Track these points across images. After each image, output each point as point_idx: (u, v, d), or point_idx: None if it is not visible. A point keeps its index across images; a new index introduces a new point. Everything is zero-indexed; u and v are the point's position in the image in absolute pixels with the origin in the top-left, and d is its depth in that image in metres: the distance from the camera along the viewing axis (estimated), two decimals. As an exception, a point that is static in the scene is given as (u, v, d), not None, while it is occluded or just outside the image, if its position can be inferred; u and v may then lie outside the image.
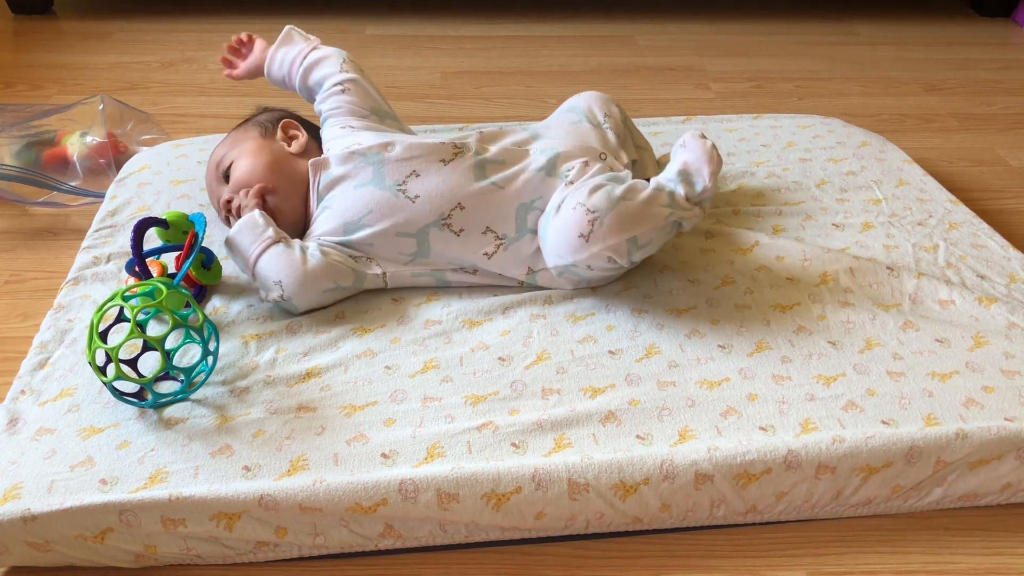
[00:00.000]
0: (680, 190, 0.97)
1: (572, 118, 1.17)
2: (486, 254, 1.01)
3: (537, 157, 1.05)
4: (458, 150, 1.04)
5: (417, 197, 1.01)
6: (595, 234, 0.92)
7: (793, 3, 2.43)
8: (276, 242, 0.99)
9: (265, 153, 1.09)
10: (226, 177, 1.09)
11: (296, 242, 1.00)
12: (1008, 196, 1.46)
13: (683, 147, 1.00)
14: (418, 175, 1.02)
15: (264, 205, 1.04)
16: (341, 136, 1.09)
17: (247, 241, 1.00)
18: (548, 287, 1.04)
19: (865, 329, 0.98)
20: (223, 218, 1.12)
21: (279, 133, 1.14)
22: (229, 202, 1.07)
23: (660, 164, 1.24)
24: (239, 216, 1.04)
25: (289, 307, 0.99)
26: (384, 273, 1.02)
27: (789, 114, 1.54)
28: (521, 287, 1.04)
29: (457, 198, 1.00)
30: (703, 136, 0.99)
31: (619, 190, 0.94)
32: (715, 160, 0.98)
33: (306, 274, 0.97)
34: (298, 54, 1.18)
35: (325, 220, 1.03)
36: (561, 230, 0.95)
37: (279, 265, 0.97)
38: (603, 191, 0.94)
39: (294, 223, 1.07)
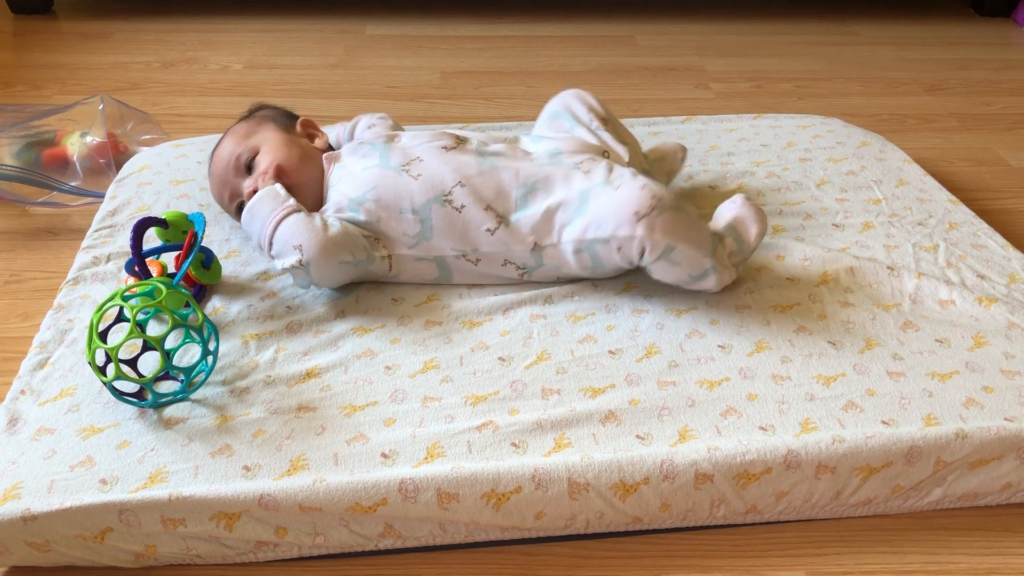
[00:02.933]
0: (728, 238, 1.04)
1: (563, 125, 1.17)
2: (488, 230, 1.01)
3: (540, 155, 1.07)
4: (460, 141, 1.09)
5: (420, 175, 1.03)
6: (650, 218, 0.94)
7: (793, 3, 2.43)
8: (297, 210, 1.00)
9: (295, 146, 1.11)
10: (248, 169, 1.09)
11: (315, 214, 1.01)
12: (1008, 196, 1.46)
13: (732, 203, 1.08)
14: (422, 160, 1.05)
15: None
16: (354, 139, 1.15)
17: (267, 208, 1.01)
18: (546, 281, 1.04)
19: (865, 329, 0.98)
20: (234, 211, 1.12)
21: (299, 129, 1.16)
22: (255, 192, 1.05)
23: (647, 158, 1.23)
24: None
25: (302, 277, 0.99)
26: (389, 256, 1.02)
27: (789, 114, 1.54)
28: (521, 281, 1.04)
29: (458, 177, 1.02)
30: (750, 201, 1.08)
31: (684, 206, 0.98)
32: (763, 220, 1.06)
33: (327, 239, 0.97)
34: (342, 129, 1.24)
35: (332, 201, 1.05)
36: (618, 202, 0.96)
37: (300, 229, 0.98)
38: (670, 192, 0.98)
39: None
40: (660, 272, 0.99)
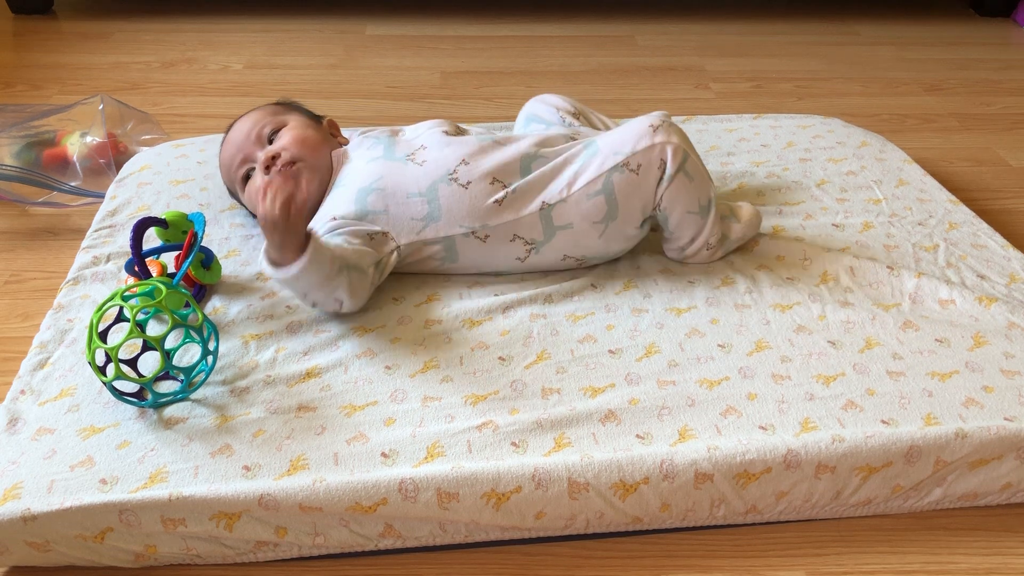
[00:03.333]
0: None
1: (538, 128, 1.21)
2: (496, 201, 1.02)
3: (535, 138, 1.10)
4: (461, 131, 1.12)
5: (425, 162, 1.05)
6: (664, 127, 1.01)
7: (793, 3, 2.43)
8: (333, 264, 0.94)
9: (321, 132, 1.14)
10: (270, 141, 1.10)
11: (339, 259, 0.95)
12: (1008, 196, 1.46)
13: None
14: (425, 147, 1.07)
15: (291, 179, 1.06)
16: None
17: (311, 280, 0.93)
18: (551, 264, 1.05)
19: (865, 329, 0.98)
20: (240, 178, 1.11)
21: (324, 124, 1.18)
22: (275, 157, 1.06)
23: None
24: (280, 171, 1.06)
25: (334, 311, 0.99)
26: (397, 247, 1.02)
27: (789, 114, 1.54)
28: (526, 262, 1.04)
29: (461, 156, 1.04)
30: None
31: None
32: (756, 212, 1.15)
33: (364, 295, 0.98)
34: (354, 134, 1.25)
35: (338, 196, 1.05)
36: (633, 124, 1.03)
37: (342, 291, 0.95)
38: None
39: (311, 208, 1.06)
40: (676, 195, 1.02)
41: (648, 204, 1.03)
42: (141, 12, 2.25)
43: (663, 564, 0.81)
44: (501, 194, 1.02)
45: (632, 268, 1.08)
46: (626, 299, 1.03)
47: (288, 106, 1.17)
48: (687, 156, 1.01)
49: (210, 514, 0.76)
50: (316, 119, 1.18)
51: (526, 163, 1.04)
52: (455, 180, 1.02)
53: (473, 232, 1.02)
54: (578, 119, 1.20)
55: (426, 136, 1.09)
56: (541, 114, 1.23)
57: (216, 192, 1.22)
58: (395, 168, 1.05)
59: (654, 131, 1.01)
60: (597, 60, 2.03)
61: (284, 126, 1.11)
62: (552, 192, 1.02)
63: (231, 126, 1.15)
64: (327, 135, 1.16)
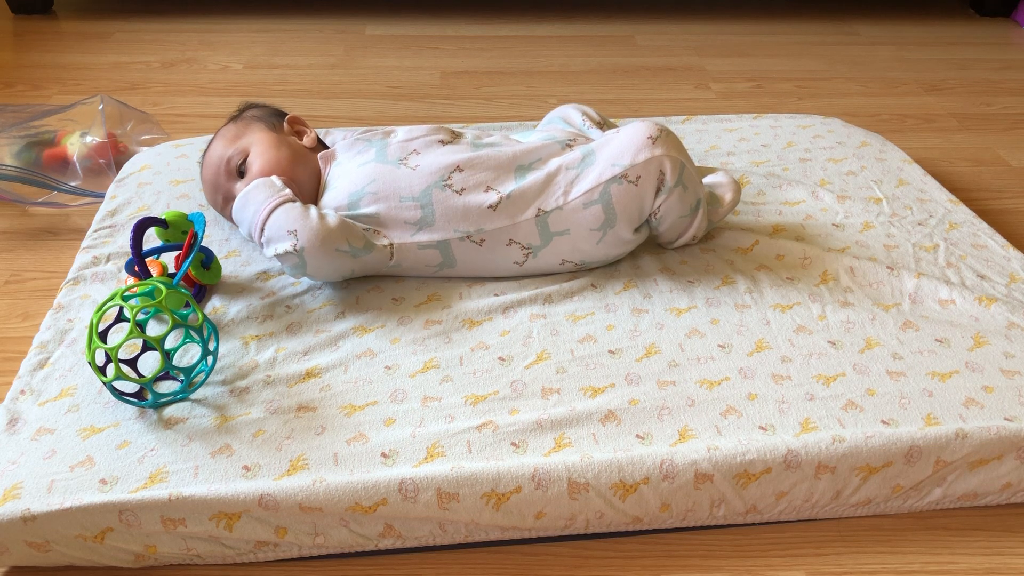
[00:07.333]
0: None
1: (557, 125, 1.22)
2: (491, 206, 1.02)
3: (533, 140, 1.11)
4: (456, 135, 1.11)
5: (418, 166, 1.04)
6: (662, 138, 1.01)
7: (793, 3, 2.43)
8: (293, 200, 1.00)
9: (284, 147, 1.10)
10: (240, 173, 1.09)
11: (311, 205, 1.01)
12: (1008, 196, 1.46)
13: (714, 175, 1.18)
14: (418, 152, 1.06)
15: None
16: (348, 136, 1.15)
17: (262, 195, 1.00)
18: (549, 268, 1.05)
19: (865, 329, 0.98)
20: (228, 214, 1.12)
21: (286, 127, 1.15)
22: None
23: None
24: None
25: (295, 265, 0.98)
26: (391, 244, 1.02)
27: (789, 114, 1.54)
28: (524, 267, 1.04)
29: (456, 162, 1.04)
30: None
31: None
32: (737, 191, 1.15)
33: (322, 226, 0.97)
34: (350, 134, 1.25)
35: (330, 198, 1.04)
36: (630, 134, 1.02)
37: (294, 216, 0.97)
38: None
39: None
40: (672, 205, 1.04)
41: (644, 212, 1.04)
42: (141, 12, 2.25)
43: (663, 564, 0.81)
44: (495, 199, 1.02)
45: (632, 268, 1.08)
46: (626, 299, 1.03)
47: (248, 119, 1.14)
48: (684, 168, 1.02)
49: (210, 514, 0.76)
50: (278, 123, 1.15)
51: (521, 170, 1.04)
52: (449, 186, 1.02)
53: (468, 236, 1.02)
54: (601, 128, 1.19)
55: (420, 141, 1.08)
56: (570, 116, 1.22)
57: (216, 192, 1.22)
58: (387, 171, 1.04)
59: (653, 143, 1.00)
60: (597, 60, 2.03)
61: (248, 154, 1.08)
62: (548, 199, 1.02)
63: (202, 161, 1.14)
64: (292, 142, 1.12)
